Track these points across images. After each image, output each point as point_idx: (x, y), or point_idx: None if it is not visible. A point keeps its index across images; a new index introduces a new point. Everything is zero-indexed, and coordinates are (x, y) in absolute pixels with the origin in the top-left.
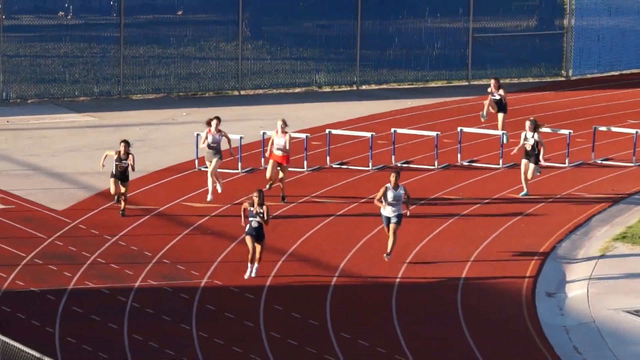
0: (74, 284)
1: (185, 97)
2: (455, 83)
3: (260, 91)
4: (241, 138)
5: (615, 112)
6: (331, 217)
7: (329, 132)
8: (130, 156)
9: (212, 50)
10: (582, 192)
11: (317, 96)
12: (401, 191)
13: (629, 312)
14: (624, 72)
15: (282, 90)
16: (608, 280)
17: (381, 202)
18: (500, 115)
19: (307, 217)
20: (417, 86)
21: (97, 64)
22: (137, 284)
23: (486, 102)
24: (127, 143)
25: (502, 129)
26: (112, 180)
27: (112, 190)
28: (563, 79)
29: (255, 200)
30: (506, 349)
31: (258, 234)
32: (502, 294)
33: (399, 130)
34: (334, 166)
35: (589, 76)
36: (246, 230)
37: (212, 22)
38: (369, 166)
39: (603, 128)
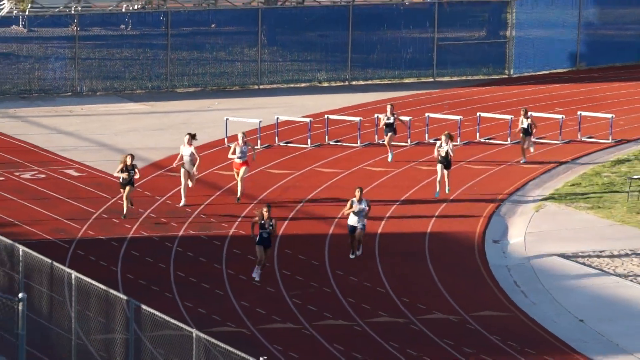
0: (132, 233)
1: (217, 90)
2: (424, 79)
3: (275, 85)
4: (260, 122)
5: (546, 102)
6: (329, 183)
7: (327, 117)
8: (135, 169)
9: (238, 54)
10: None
11: (318, 90)
12: (364, 205)
13: (555, 255)
14: (552, 71)
15: (291, 85)
16: (540, 231)
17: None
18: (389, 135)
19: (311, 184)
20: (394, 82)
21: (149, 64)
22: (180, 233)
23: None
24: (132, 156)
25: (389, 147)
26: (121, 188)
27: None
28: (506, 76)
29: (265, 214)
30: (463, 283)
31: (267, 243)
32: (460, 242)
33: (381, 115)
34: (331, 143)
35: (525, 74)
36: (256, 240)
37: (238, 33)
38: (357, 143)
39: (538, 114)
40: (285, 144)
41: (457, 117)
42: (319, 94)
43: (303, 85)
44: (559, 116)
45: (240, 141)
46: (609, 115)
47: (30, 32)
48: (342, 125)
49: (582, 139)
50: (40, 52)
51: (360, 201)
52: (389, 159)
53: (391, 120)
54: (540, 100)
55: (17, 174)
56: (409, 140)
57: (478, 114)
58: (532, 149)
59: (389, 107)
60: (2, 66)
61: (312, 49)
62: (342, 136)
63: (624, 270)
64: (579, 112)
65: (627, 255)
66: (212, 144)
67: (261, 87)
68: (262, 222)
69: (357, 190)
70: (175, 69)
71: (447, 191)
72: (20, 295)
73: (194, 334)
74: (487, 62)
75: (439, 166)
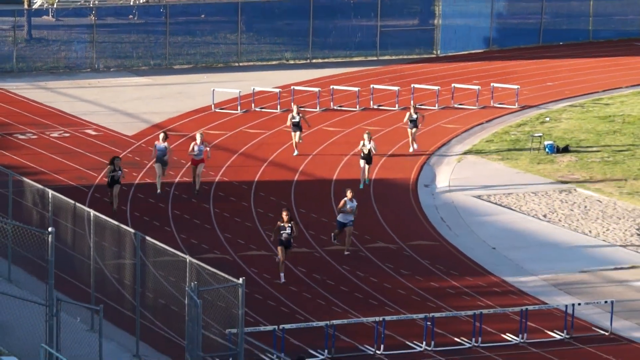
0: (138, 180)
1: (206, 67)
2: (369, 58)
3: (251, 63)
4: (240, 92)
5: (466, 76)
6: (291, 143)
7: (293, 88)
8: (121, 171)
9: (222, 38)
10: (447, 124)
11: (285, 66)
12: (355, 203)
13: (473, 196)
14: (471, 51)
15: (265, 63)
16: (461, 177)
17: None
18: (297, 134)
19: (280, 140)
20: (346, 60)
21: (152, 46)
22: (176, 180)
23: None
24: (119, 159)
25: (299, 141)
26: (109, 188)
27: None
28: (434, 56)
29: (285, 217)
30: (400, 218)
31: (288, 244)
32: (398, 187)
33: (335, 87)
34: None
35: (449, 54)
36: (279, 242)
37: (222, 21)
38: (317, 108)
39: (460, 85)
40: (260, 109)
41: (395, 88)
42: (286, 70)
43: (274, 62)
44: (476, 87)
45: (198, 141)
46: (516, 86)
47: (57, 21)
48: (304, 95)
49: (494, 105)
50: (65, 37)
51: (351, 200)
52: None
53: (297, 120)
54: (461, 74)
55: (47, 133)
56: (357, 106)
57: (412, 85)
58: (415, 145)
59: (294, 107)
60: (35, 48)
61: (281, 34)
62: (304, 103)
63: (528, 208)
64: (491, 84)
65: (529, 196)
66: (201, 109)
67: (240, 64)
68: (282, 224)
69: (349, 191)
70: (173, 50)
71: (367, 182)
72: (49, 229)
73: (187, 260)
74: (419, 44)
75: (361, 161)
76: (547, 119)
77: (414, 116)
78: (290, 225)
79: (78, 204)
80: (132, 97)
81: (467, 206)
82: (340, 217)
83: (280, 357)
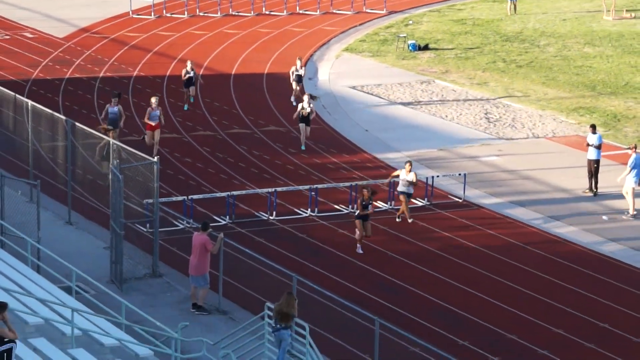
0: (68, 75)
1: None
2: None
3: None
4: (153, 0)
5: None
6: (233, 39)
7: None
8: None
9: None
10: (326, 27)
11: None
12: (412, 177)
13: (349, 87)
14: None
15: None
16: (339, 71)
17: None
18: (192, 89)
19: (219, 39)
20: None
21: None
22: (100, 75)
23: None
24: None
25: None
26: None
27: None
28: None
29: (366, 194)
30: (288, 106)
31: (365, 218)
32: (285, 79)
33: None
34: (233, 14)
35: None
36: (356, 215)
37: None
38: (217, 14)
39: None
40: (170, 15)
41: None
42: None
43: None
44: None
45: (153, 105)
46: None
47: None
48: (207, 2)
49: (366, 10)
50: None
51: (409, 173)
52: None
53: (192, 75)
54: None
55: None
56: (284, 11)
57: None
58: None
59: (189, 63)
60: None
61: None
62: (208, 9)
63: (394, 97)
64: None
65: (396, 86)
66: (121, 15)
67: None
68: (364, 202)
69: (407, 163)
70: None
71: (303, 148)
72: None
73: (111, 141)
74: None
75: (301, 124)
76: (411, 22)
77: (300, 71)
78: (370, 203)
79: (18, 95)
80: (63, 5)
81: (344, 95)
82: (400, 188)
83: (189, 222)
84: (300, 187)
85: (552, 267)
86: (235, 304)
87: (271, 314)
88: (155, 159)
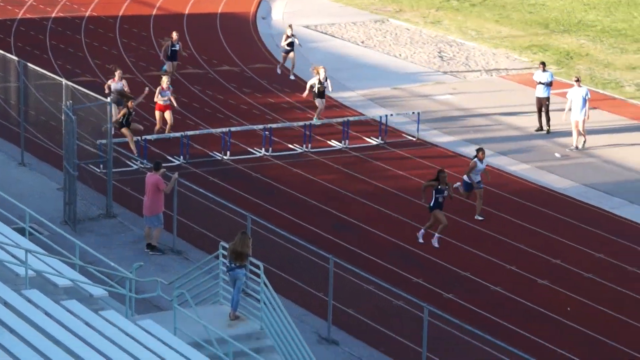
0: (20, 15)
1: None
2: None
3: None
4: None
5: None
6: None
7: None
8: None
9: None
10: None
11: None
12: (483, 165)
13: (303, 26)
14: None
15: None
16: (293, 10)
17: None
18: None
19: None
20: None
21: None
22: (53, 15)
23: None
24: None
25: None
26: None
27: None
28: None
29: (443, 179)
30: (242, 46)
31: (441, 207)
32: (240, 19)
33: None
34: None
35: None
36: (431, 205)
37: None
38: None
39: None
40: None
41: None
42: None
43: None
44: None
45: (164, 85)
46: None
47: None
48: None
49: None
50: None
51: (482, 161)
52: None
53: (177, 47)
54: None
55: None
56: None
57: None
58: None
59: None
60: None
61: None
62: None
63: (348, 35)
64: None
65: (349, 25)
66: None
67: None
68: (439, 187)
69: (480, 151)
70: None
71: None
72: None
73: (63, 82)
74: None
75: (319, 100)
76: None
77: (291, 39)
78: (446, 188)
79: None
80: None
81: (298, 35)
82: (473, 177)
83: (143, 162)
84: (254, 127)
85: (504, 205)
86: (190, 244)
87: (226, 253)
88: (109, 99)
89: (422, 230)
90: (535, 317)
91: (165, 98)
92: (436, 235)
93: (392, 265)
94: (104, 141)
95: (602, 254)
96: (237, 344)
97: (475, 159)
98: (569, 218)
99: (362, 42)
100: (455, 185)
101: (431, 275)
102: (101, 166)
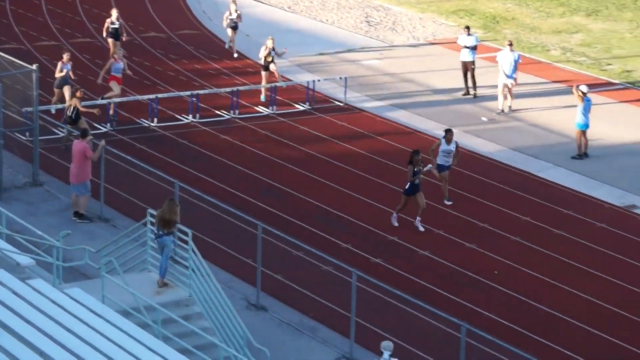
0: None
1: None
2: None
3: None
4: None
5: None
6: None
7: None
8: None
9: None
10: None
11: None
12: (452, 146)
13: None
14: None
15: None
16: None
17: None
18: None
19: None
20: None
21: None
22: None
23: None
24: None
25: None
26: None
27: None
28: None
29: (417, 161)
30: (169, 13)
31: (418, 189)
32: None
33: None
34: None
35: None
36: (407, 189)
37: None
38: None
39: None
40: None
41: None
42: None
43: None
44: None
45: (116, 57)
46: None
47: None
48: None
49: None
50: None
51: (449, 143)
52: None
53: (117, 25)
54: None
55: None
56: None
57: None
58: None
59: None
60: None
61: None
62: None
63: (275, 1)
64: None
65: None
66: None
67: None
68: (415, 169)
69: (449, 132)
70: None
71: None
72: None
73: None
74: None
75: (265, 73)
76: None
77: (234, 15)
78: (421, 168)
79: None
80: None
81: (225, 0)
82: (439, 160)
83: (70, 130)
84: (182, 94)
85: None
86: (117, 211)
87: (153, 220)
88: (34, 66)
89: (395, 214)
90: (463, 281)
91: (118, 71)
92: (418, 218)
93: (319, 231)
94: (30, 109)
95: (528, 217)
96: (166, 311)
97: (442, 139)
98: (496, 182)
99: (289, 8)
100: (426, 169)
101: (359, 239)
102: (27, 134)
